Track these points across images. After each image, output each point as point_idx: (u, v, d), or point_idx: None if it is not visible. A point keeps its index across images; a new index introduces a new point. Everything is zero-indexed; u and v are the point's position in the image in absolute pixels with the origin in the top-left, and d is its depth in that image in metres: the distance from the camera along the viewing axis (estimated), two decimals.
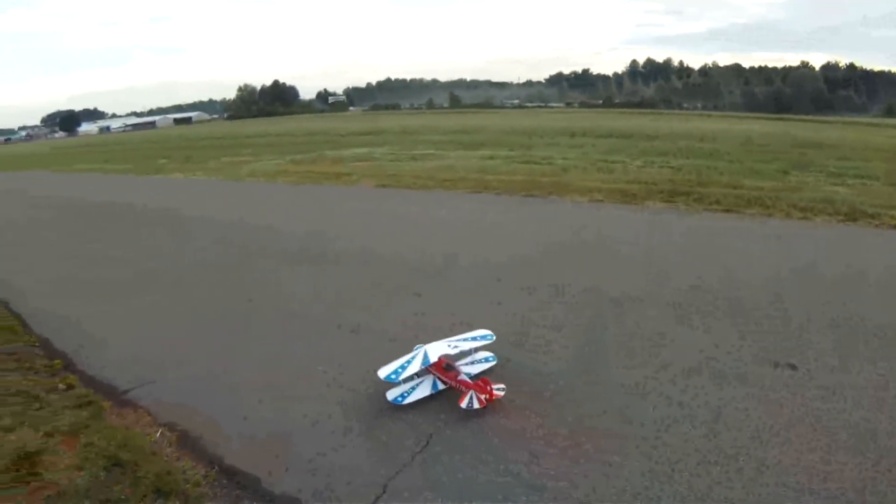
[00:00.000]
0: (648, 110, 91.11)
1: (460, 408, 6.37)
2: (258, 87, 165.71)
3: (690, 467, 5.35)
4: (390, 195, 20.90)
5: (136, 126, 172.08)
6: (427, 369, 6.93)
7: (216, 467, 5.98)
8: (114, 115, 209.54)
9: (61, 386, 8.09)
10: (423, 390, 6.80)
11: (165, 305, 10.96)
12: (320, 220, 17.71)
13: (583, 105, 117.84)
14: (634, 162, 24.28)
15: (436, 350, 6.98)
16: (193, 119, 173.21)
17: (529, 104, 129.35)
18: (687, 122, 53.88)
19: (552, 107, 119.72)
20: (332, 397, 7.11)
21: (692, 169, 21.72)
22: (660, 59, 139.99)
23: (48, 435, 6.73)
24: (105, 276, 13.17)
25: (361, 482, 5.52)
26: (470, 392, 6.46)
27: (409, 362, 6.78)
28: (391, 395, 6.75)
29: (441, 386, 6.85)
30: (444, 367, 6.96)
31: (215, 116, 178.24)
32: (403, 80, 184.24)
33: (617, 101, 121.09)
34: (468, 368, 7.13)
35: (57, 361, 8.98)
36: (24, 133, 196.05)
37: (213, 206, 21.90)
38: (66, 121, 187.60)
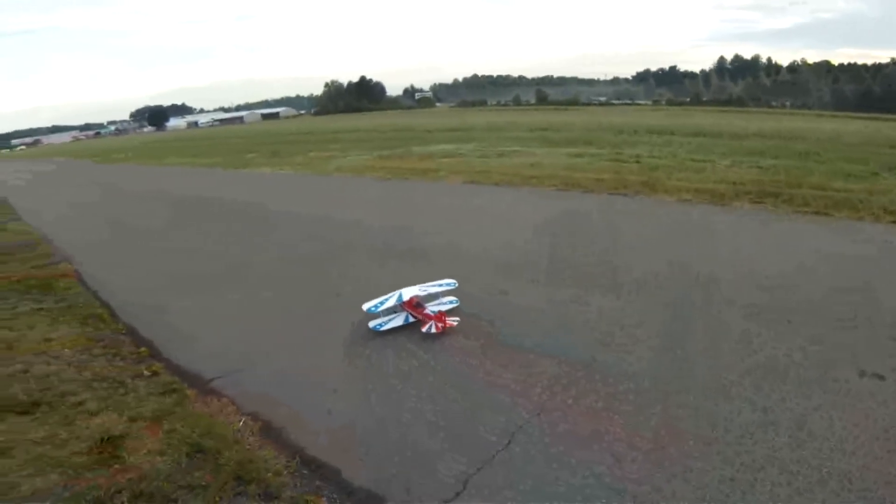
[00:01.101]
0: (737, 108, 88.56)
1: (421, 332, 8.88)
2: (345, 84, 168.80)
3: (772, 476, 5.32)
4: (477, 191, 21.04)
5: (223, 121, 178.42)
6: (401, 306, 9.49)
7: (298, 458, 6.21)
8: (201, 111, 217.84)
9: (147, 373, 8.50)
10: (397, 321, 9.34)
11: (253, 299, 11.44)
12: (408, 215, 17.98)
13: (670, 102, 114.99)
14: (723, 161, 23.79)
15: (409, 292, 9.57)
16: (280, 114, 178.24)
17: (616, 101, 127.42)
18: (776, 120, 51.95)
19: (639, 104, 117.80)
20: (417, 393, 7.29)
21: (781, 169, 21.11)
22: (746, 55, 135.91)
23: (132, 420, 7.12)
24: (195, 270, 13.85)
25: (441, 479, 5.66)
26: (430, 322, 8.98)
27: (386, 299, 9.37)
28: (372, 323, 9.27)
29: (411, 319, 9.36)
30: (415, 304, 9.49)
31: (302, 112, 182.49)
32: (490, 77, 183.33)
33: (705, 98, 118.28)
34: (435, 307, 9.49)
35: (143, 349, 9.43)
36: (113, 128, 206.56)
37: (300, 201, 22.58)
38: (155, 116, 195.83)
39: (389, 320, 9.31)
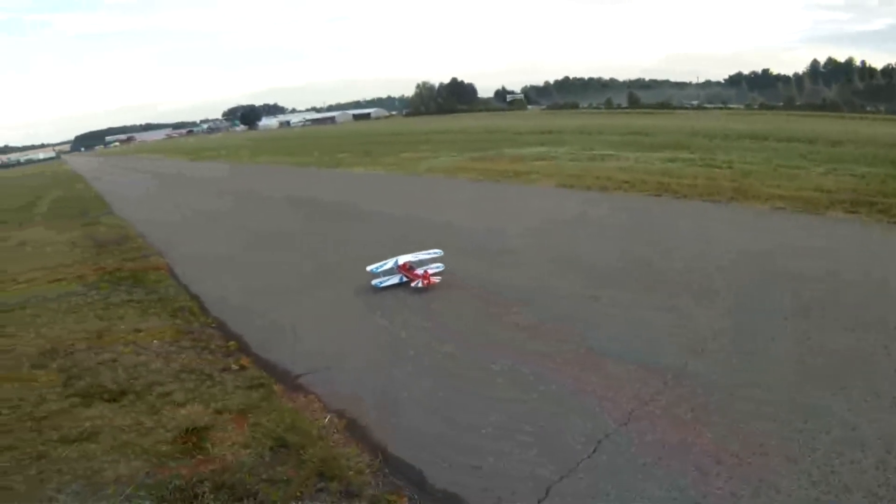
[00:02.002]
0: (831, 113, 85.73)
1: (411, 287, 11.30)
2: (436, 85, 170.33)
3: (856, 500, 5.06)
4: (571, 195, 20.89)
5: (315, 121, 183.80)
6: (397, 269, 11.64)
7: (381, 457, 6.23)
8: (293, 111, 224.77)
9: (235, 366, 8.73)
10: (393, 280, 11.67)
11: (342, 298, 11.65)
12: (500, 217, 17.97)
13: (763, 106, 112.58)
14: (816, 168, 22.94)
15: (403, 258, 11.70)
16: (372, 115, 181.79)
17: (709, 105, 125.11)
18: (870, 126, 49.53)
19: (732, 108, 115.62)
20: (505, 396, 7.25)
21: (877, 178, 20.11)
22: (839, 57, 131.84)
23: (218, 412, 7.30)
24: (282, 268, 14.27)
25: (525, 485, 5.59)
26: (417, 280, 11.33)
27: (384, 263, 11.59)
28: (374, 282, 11.65)
29: (405, 279, 11.57)
30: (408, 267, 11.65)
31: (393, 113, 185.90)
32: (581, 79, 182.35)
33: (798, 102, 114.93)
34: (422, 270, 11.53)
35: (232, 343, 9.70)
36: (205, 126, 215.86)
37: (391, 201, 22.80)
38: (247, 115, 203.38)
39: (387, 280, 11.70)
